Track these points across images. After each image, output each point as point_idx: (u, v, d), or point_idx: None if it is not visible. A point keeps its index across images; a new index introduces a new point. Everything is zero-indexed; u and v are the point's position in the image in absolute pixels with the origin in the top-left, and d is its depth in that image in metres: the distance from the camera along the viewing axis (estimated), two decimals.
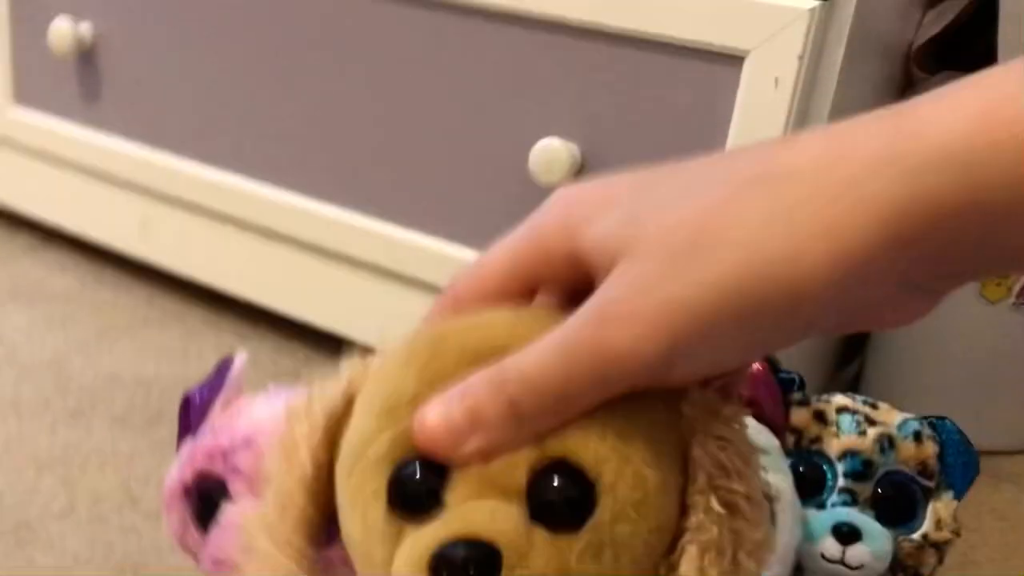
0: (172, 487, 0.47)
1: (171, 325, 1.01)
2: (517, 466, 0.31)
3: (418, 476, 0.32)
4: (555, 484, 0.31)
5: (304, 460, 0.35)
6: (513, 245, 0.31)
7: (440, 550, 0.30)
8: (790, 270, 0.25)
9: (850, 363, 0.97)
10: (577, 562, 0.30)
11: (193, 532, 0.47)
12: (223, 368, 0.49)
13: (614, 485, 0.30)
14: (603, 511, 0.30)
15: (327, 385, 0.35)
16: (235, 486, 0.45)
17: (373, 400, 0.33)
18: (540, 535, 0.30)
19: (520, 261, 0.31)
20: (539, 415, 0.29)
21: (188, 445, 0.47)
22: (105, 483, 0.75)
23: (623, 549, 0.31)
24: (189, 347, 0.98)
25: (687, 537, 0.31)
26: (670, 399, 0.31)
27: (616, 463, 0.31)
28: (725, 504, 0.31)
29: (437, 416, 0.30)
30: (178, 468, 0.47)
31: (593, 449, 0.30)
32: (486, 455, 0.30)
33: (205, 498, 0.46)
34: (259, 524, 0.35)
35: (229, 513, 0.44)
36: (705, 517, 0.31)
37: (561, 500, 0.31)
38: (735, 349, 0.28)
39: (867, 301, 0.26)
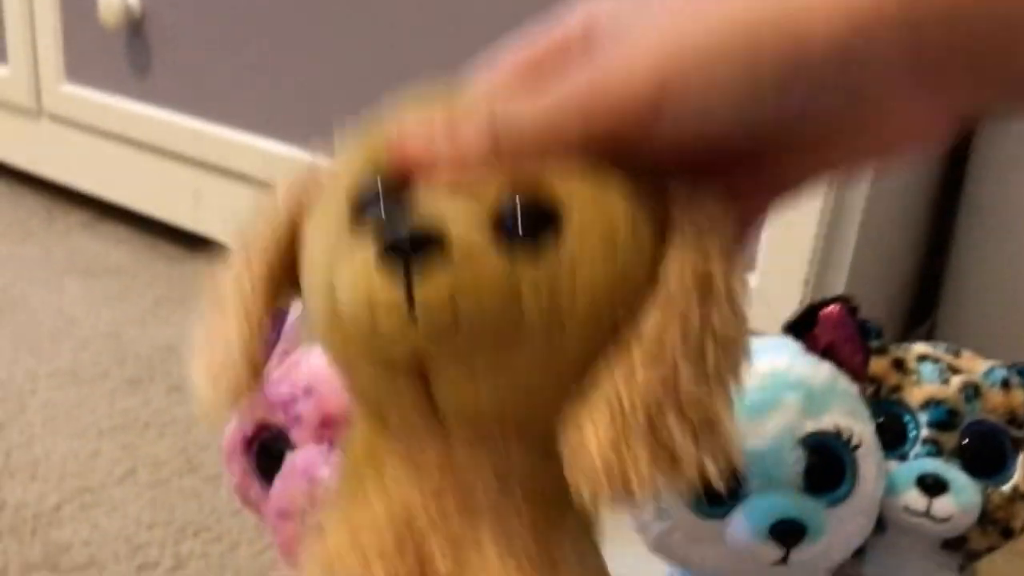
0: (232, 441, 0.46)
1: None
2: (486, 184, 0.29)
3: (380, 191, 0.30)
4: (521, 207, 0.29)
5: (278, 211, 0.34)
6: (531, 43, 0.30)
7: (387, 236, 0.28)
8: (797, 16, 0.24)
9: (921, 323, 0.94)
10: (529, 291, 0.28)
11: (256, 485, 0.46)
12: (278, 321, 0.48)
13: (583, 224, 0.29)
14: (568, 245, 0.29)
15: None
16: (297, 435, 0.44)
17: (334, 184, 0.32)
18: (495, 249, 0.29)
19: (538, 55, 0.30)
20: (519, 141, 0.29)
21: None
22: (165, 449, 0.75)
23: (581, 294, 0.29)
24: None
25: (651, 304, 0.29)
26: (658, 183, 0.30)
27: (590, 204, 0.29)
28: (698, 281, 0.29)
29: (414, 122, 0.30)
30: (237, 421, 0.46)
31: (569, 186, 0.29)
32: (456, 170, 0.29)
33: (266, 450, 0.45)
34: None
35: (292, 463, 0.44)
36: (676, 288, 0.29)
37: (526, 223, 0.29)
38: (727, 105, 0.26)
39: (874, 82, 0.25)
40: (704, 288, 0.29)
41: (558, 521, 0.35)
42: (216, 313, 0.35)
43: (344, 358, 0.33)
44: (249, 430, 0.45)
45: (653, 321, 0.29)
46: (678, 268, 0.29)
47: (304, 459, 0.43)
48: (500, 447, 0.34)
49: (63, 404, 0.80)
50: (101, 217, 1.16)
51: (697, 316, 0.29)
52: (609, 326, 0.29)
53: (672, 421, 0.29)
